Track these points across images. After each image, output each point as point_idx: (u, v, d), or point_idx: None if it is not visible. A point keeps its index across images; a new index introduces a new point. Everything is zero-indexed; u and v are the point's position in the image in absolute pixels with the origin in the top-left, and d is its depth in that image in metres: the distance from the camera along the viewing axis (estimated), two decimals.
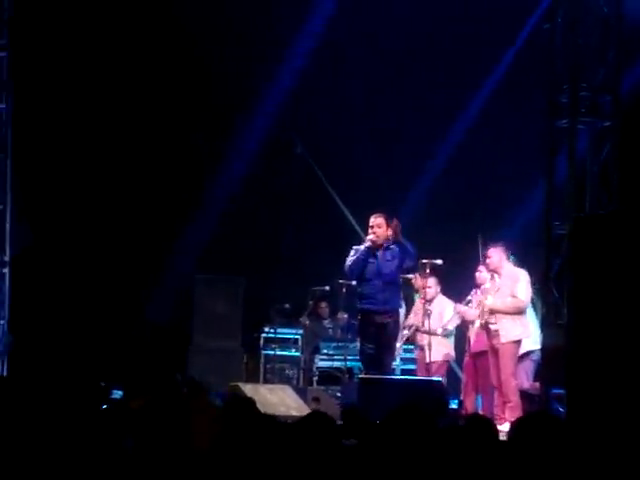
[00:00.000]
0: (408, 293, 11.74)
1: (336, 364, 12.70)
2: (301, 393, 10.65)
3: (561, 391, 9.16)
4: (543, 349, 10.16)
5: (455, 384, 11.53)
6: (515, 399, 9.93)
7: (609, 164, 10.09)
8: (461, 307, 11.01)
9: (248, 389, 9.91)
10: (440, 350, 11.32)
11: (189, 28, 13.48)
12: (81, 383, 6.01)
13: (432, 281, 11.39)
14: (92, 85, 13.44)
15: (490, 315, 10.23)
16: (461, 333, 11.44)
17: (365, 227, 10.38)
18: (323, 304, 13.57)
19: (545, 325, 10.14)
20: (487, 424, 4.22)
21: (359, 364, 10.98)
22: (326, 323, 13.60)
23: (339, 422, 8.39)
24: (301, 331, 13.10)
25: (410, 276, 11.39)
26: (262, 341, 13.09)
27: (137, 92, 13.65)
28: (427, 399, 8.98)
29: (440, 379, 10.05)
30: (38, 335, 12.51)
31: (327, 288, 12.60)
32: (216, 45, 13.46)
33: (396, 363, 11.68)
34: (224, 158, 14.43)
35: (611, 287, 7.79)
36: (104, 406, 5.41)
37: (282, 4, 13.51)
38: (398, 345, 11.23)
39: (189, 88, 13.77)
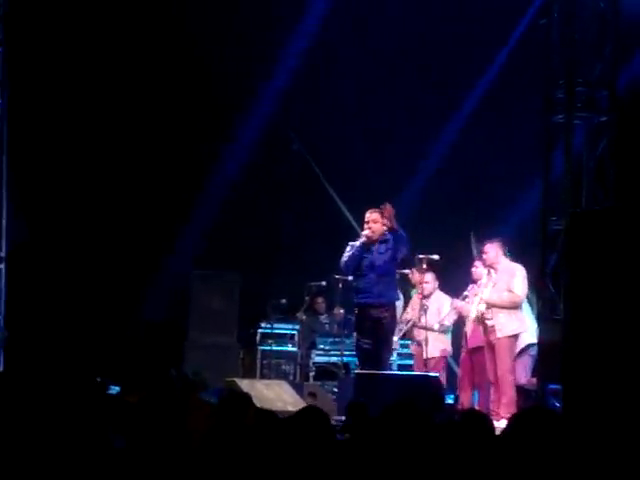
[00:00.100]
0: (405, 288, 11.75)
1: (333, 359, 12.69)
2: (297, 388, 10.65)
3: (557, 386, 9.16)
4: (539, 345, 10.17)
5: (452, 380, 11.55)
6: (511, 395, 9.94)
7: (605, 159, 10.09)
8: (458, 302, 11.02)
9: (244, 384, 9.91)
10: (437, 346, 11.33)
11: (187, 26, 13.47)
12: (77, 379, 6.01)
13: (430, 276, 11.40)
14: (88, 81, 13.42)
15: (486, 310, 10.25)
16: (458, 329, 11.45)
17: (361, 223, 10.39)
18: (320, 299, 13.57)
19: (541, 320, 10.14)
20: (483, 419, 4.22)
21: (356, 359, 10.98)
22: (323, 318, 13.60)
23: (343, 418, 8.43)
24: (297, 326, 13.09)
25: (407, 271, 11.40)
26: (258, 336, 13.08)
27: (133, 86, 13.63)
28: (423, 394, 8.98)
29: (437, 375, 10.05)
30: (34, 331, 12.50)
31: (324, 283, 12.61)
32: (214, 44, 13.45)
33: (393, 358, 11.68)
34: (221, 156, 14.42)
35: (607, 282, 7.80)
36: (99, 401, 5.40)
37: (277, 4, 13.51)
38: (395, 339, 11.23)
39: (186, 85, 13.74)
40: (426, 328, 11.14)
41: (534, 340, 10.44)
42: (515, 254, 10.49)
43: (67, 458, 4.18)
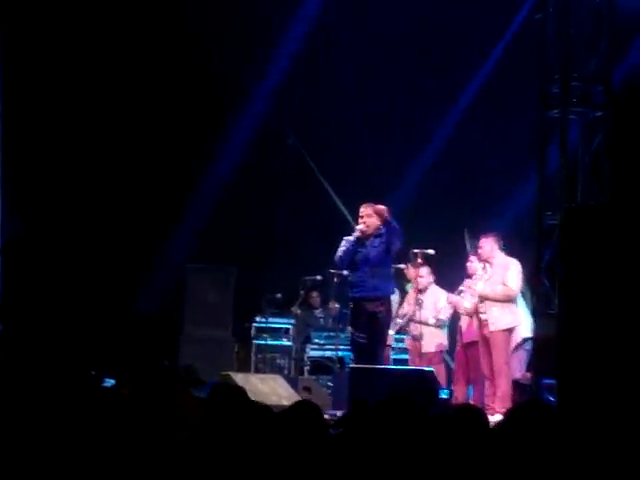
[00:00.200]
0: (401, 283, 11.76)
1: (327, 354, 12.70)
2: (292, 383, 10.64)
3: (552, 381, 9.17)
4: (534, 339, 10.18)
5: (449, 374, 11.56)
6: (506, 389, 9.95)
7: (601, 154, 10.10)
8: (453, 297, 11.03)
9: (239, 378, 9.91)
10: (434, 341, 11.35)
11: (178, 22, 13.44)
12: (71, 372, 6.00)
13: (425, 271, 11.40)
14: (81, 79, 13.39)
15: (480, 303, 10.25)
16: (453, 323, 11.46)
17: (356, 217, 10.38)
18: (314, 294, 13.58)
19: (536, 315, 10.15)
20: (477, 413, 4.22)
21: (350, 354, 10.98)
22: (317, 313, 13.61)
23: (338, 412, 8.42)
24: (292, 321, 13.10)
25: (402, 266, 11.40)
26: (253, 330, 13.08)
27: (127, 82, 13.61)
28: (418, 389, 8.98)
29: (432, 369, 10.06)
30: (28, 324, 12.48)
31: (319, 278, 12.61)
32: (207, 31, 13.40)
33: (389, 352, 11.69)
34: (216, 149, 14.40)
35: (602, 277, 7.80)
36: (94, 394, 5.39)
37: None
38: (391, 333, 11.24)
39: (180, 76, 13.72)
40: (421, 322, 11.15)
41: (529, 335, 10.45)
42: (510, 249, 10.49)
43: (62, 450, 4.17)
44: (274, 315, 13.13)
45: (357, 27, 13.68)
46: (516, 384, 10.21)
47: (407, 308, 11.57)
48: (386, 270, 10.14)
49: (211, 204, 14.30)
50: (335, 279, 11.83)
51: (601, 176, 10.05)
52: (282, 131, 14.09)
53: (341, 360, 12.23)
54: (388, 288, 10.19)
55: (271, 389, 9.98)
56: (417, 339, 11.24)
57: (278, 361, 12.96)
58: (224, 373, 10.37)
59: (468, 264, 10.84)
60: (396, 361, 12.01)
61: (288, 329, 13.12)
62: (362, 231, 10.00)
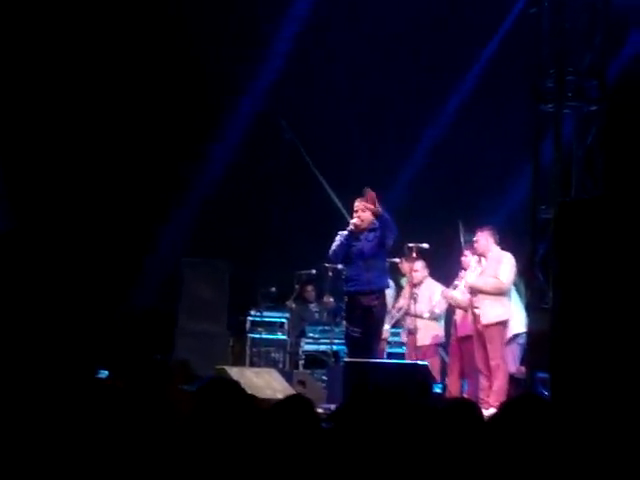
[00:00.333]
0: (396, 277, 11.77)
1: (322, 348, 12.72)
2: (287, 376, 10.65)
3: (546, 375, 9.19)
4: (529, 333, 10.19)
5: (443, 368, 11.57)
6: (502, 383, 9.96)
7: (595, 149, 10.11)
8: (448, 292, 11.04)
9: (234, 372, 9.92)
10: (429, 334, 11.37)
11: (173, 14, 13.43)
12: (66, 364, 6.00)
13: (419, 265, 11.42)
14: (75, 76, 13.37)
15: (474, 297, 10.27)
16: (449, 317, 11.47)
17: (351, 212, 10.37)
18: (309, 288, 13.58)
19: (530, 309, 10.16)
20: (471, 406, 4.23)
21: (345, 348, 10.99)
22: (312, 307, 13.61)
23: (332, 406, 8.41)
24: (287, 315, 13.10)
25: (396, 260, 11.41)
26: (248, 324, 13.09)
27: (121, 80, 13.59)
28: (411, 383, 9.00)
29: (426, 363, 10.08)
30: (22, 318, 12.47)
31: (313, 272, 12.61)
32: (201, 31, 13.40)
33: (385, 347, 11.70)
34: (211, 142, 14.40)
35: (596, 272, 7.81)
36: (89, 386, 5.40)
37: None
38: (387, 327, 11.25)
39: (173, 75, 13.71)
40: (416, 316, 11.17)
41: (523, 329, 10.47)
42: (504, 243, 10.51)
43: (57, 442, 4.18)
44: (269, 309, 13.15)
45: (350, 26, 13.68)
46: (510, 378, 10.23)
47: (402, 302, 11.58)
48: (380, 264, 10.12)
49: (205, 199, 14.30)
50: (330, 273, 11.85)
51: (595, 170, 10.06)
52: (277, 125, 14.07)
53: (336, 354, 12.24)
54: (383, 282, 10.18)
55: (266, 383, 9.98)
56: (412, 333, 11.25)
57: (273, 355, 12.97)
58: (219, 367, 10.37)
59: (463, 258, 10.85)
60: (392, 355, 12.03)
61: (283, 323, 13.13)
62: (356, 225, 9.98)
